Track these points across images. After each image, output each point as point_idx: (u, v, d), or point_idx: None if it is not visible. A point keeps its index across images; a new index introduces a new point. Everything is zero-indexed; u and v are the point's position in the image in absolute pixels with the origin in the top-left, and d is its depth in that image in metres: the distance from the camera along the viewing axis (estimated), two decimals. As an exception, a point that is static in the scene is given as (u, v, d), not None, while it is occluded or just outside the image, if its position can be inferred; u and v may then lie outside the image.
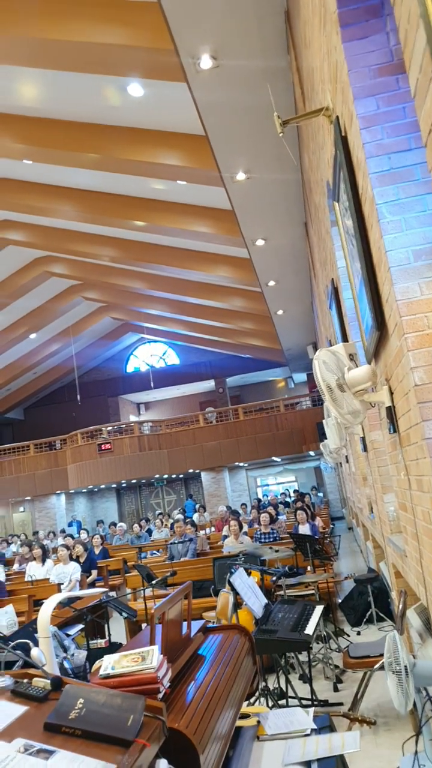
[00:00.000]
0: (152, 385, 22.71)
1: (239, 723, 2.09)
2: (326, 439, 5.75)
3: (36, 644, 1.93)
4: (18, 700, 1.37)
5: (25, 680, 1.44)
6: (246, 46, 5.40)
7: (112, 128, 8.37)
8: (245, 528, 8.92)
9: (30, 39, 6.30)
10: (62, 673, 1.42)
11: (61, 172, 9.81)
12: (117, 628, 5.55)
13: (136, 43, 6.06)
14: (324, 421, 5.24)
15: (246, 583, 3.42)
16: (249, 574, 4.02)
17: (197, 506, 18.09)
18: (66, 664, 1.83)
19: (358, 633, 5.41)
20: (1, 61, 6.82)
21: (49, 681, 1.40)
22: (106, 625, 4.01)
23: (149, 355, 24.42)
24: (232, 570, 3.67)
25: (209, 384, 23.24)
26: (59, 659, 1.80)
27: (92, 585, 7.21)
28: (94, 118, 8.23)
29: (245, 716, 2.20)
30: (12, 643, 1.60)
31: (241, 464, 19.28)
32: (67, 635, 3.12)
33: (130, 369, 24.51)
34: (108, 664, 1.64)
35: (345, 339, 4.16)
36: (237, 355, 21.66)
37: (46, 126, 8.42)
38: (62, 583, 6.78)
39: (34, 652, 1.47)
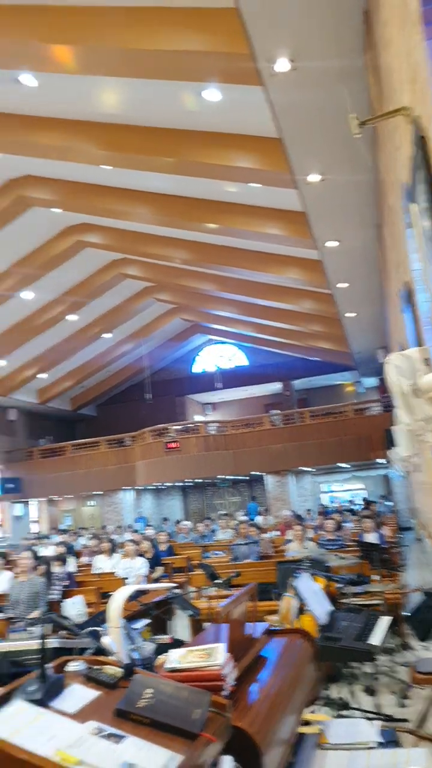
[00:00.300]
0: (219, 385, 22.87)
1: (301, 729, 2.08)
2: (394, 446, 5.60)
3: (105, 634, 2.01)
4: (90, 684, 1.43)
5: (97, 666, 1.51)
6: (323, 47, 5.36)
7: (187, 132, 8.52)
8: (309, 533, 8.82)
9: (113, 49, 6.53)
10: (130, 663, 1.48)
11: (137, 177, 10.08)
12: (180, 626, 5.64)
13: (212, 48, 6.15)
14: (393, 427, 5.10)
15: (311, 588, 3.40)
16: (315, 580, 3.99)
17: (261, 509, 18.05)
18: (134, 655, 1.89)
19: (426, 648, 5.23)
20: (86, 72, 7.09)
21: (119, 669, 1.46)
22: (169, 622, 4.09)
23: (217, 356, 24.61)
24: (296, 574, 3.66)
25: (276, 386, 23.14)
26: (128, 649, 1.87)
27: (157, 581, 7.35)
28: (171, 123, 8.41)
29: (307, 723, 2.19)
30: (84, 631, 1.68)
31: (307, 469, 19.06)
32: (134, 629, 3.22)
33: (197, 369, 24.78)
34: (174, 658, 1.68)
35: (419, 344, 4.04)
36: (305, 357, 21.44)
37: (125, 132, 8.68)
38: (128, 578, 6.96)
39: (106, 639, 1.54)
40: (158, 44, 6.27)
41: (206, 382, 23.67)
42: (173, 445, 18.10)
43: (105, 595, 6.64)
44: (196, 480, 19.69)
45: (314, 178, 7.68)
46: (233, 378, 23.30)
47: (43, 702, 1.28)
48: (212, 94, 7.36)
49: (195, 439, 18.32)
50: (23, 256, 13.59)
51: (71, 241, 13.75)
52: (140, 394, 22.89)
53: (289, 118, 6.40)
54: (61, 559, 7.39)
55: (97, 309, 17.69)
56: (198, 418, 24.27)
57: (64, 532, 16.13)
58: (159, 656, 2.66)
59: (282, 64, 5.45)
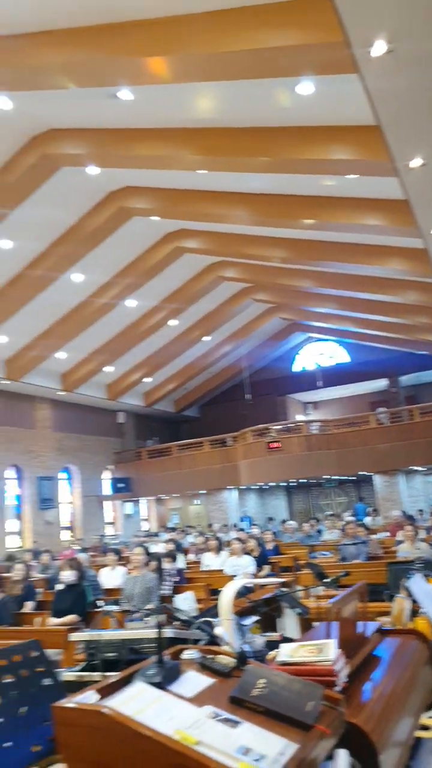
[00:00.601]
0: (320, 384, 22.50)
1: (419, 734, 2.01)
2: None
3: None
4: (204, 672, 1.48)
5: (210, 656, 1.56)
6: (422, 26, 5.12)
7: (281, 129, 8.47)
8: (422, 534, 8.45)
9: (205, 55, 6.64)
10: (243, 652, 1.51)
11: (233, 178, 10.18)
12: (289, 625, 5.61)
13: (305, 41, 6.07)
14: None
15: (425, 589, 3.26)
16: (428, 581, 3.82)
17: (369, 509, 17.53)
18: (245, 648, 1.92)
19: None
20: (179, 80, 7.28)
21: (232, 659, 1.50)
22: (278, 620, 4.10)
23: (317, 353, 24.24)
24: (409, 575, 3.52)
25: (381, 383, 22.35)
26: (239, 642, 1.91)
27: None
28: (264, 121, 8.41)
29: (425, 728, 2.11)
30: (198, 621, 1.73)
31: (419, 468, 18.25)
32: (243, 625, 3.26)
33: (297, 368, 24.56)
34: (285, 652, 1.69)
35: None
36: (412, 351, 20.53)
37: (219, 135, 8.79)
38: (235, 575, 7.05)
39: (219, 630, 1.58)
40: (250, 44, 6.29)
41: (307, 381, 23.37)
42: (275, 444, 18.06)
43: (214, 592, 6.77)
44: (300, 480, 19.50)
45: (416, 163, 7.35)
46: (335, 376, 22.81)
47: (161, 685, 1.35)
48: (305, 87, 7.27)
49: (297, 439, 18.16)
50: (126, 265, 14.18)
51: (170, 248, 14.15)
52: (241, 394, 23.07)
53: (387, 103, 6.18)
54: (171, 555, 7.63)
55: (196, 312, 18.07)
56: (299, 417, 24.03)
57: (173, 530, 16.63)
58: (269, 652, 2.68)
59: (379, 48, 5.27)
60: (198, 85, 7.63)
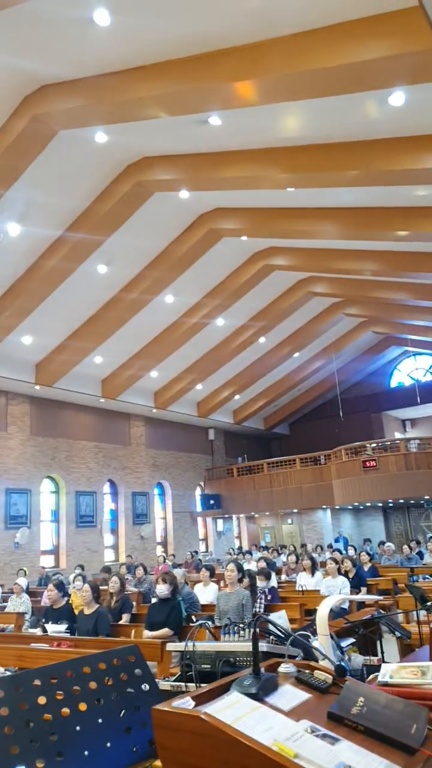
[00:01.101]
0: (419, 400, 21.60)
1: None
2: None
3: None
4: (301, 686, 1.46)
5: (307, 671, 1.53)
6: None
7: (370, 142, 8.35)
8: None
9: (290, 75, 6.70)
10: (342, 666, 1.47)
11: (321, 194, 10.14)
12: (388, 649, 5.38)
13: (396, 52, 5.98)
14: None
15: None
16: None
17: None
18: (344, 665, 1.87)
19: None
20: (267, 101, 7.39)
21: (329, 675, 1.46)
22: (378, 643, 3.94)
23: (414, 368, 23.33)
24: None
25: None
26: (337, 659, 1.86)
27: (361, 603, 7.12)
28: (353, 135, 8.33)
29: None
30: (294, 634, 1.71)
31: None
32: (340, 646, 3.16)
33: (393, 384, 23.74)
34: (386, 673, 1.63)
35: None
36: None
37: (306, 152, 8.81)
38: (330, 595, 6.86)
39: (316, 644, 1.55)
40: (338, 59, 6.28)
41: (404, 397, 22.53)
42: (371, 463, 17.50)
43: (308, 612, 6.62)
44: (398, 500, 18.72)
45: None
46: (435, 391, 21.84)
47: (258, 696, 1.34)
48: (397, 98, 7.14)
49: (394, 458, 17.49)
50: (215, 285, 14.45)
51: (259, 266, 14.26)
52: (333, 411, 22.63)
53: None
54: (265, 574, 7.56)
55: (286, 329, 18.02)
56: (397, 435, 23.16)
57: (266, 548, 16.50)
58: (370, 676, 2.58)
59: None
60: (285, 105, 7.70)
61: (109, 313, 13.35)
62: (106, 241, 11.15)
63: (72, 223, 10.61)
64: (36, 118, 8.02)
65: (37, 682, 1.47)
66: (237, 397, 20.66)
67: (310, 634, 2.01)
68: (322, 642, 1.78)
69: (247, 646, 2.05)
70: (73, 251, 10.91)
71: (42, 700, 1.45)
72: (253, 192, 10.47)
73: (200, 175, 9.76)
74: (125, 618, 6.80)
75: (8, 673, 4.05)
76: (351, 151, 8.50)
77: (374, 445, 18.51)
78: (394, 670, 1.61)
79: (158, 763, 1.82)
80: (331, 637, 2.00)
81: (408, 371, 23.54)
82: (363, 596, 3.83)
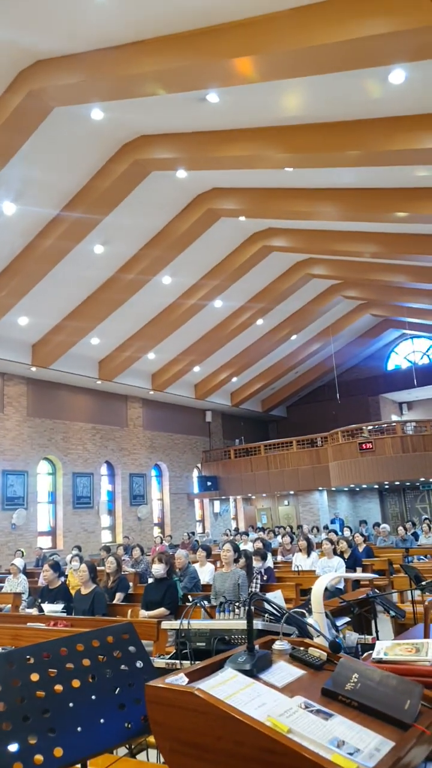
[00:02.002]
0: (415, 383, 21.63)
1: None
2: None
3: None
4: (295, 663, 1.46)
5: (302, 648, 1.53)
6: None
7: (370, 121, 8.23)
8: None
9: (291, 51, 6.57)
10: (336, 643, 1.47)
11: (320, 174, 10.02)
12: (383, 628, 5.44)
13: (398, 28, 5.86)
14: None
15: None
16: None
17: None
18: (339, 642, 1.88)
19: None
20: (267, 78, 7.25)
21: (323, 652, 1.46)
22: (373, 622, 3.97)
23: (411, 351, 23.31)
24: None
25: None
26: (332, 636, 1.86)
27: (356, 582, 7.18)
28: (353, 114, 8.21)
29: None
30: (289, 611, 1.71)
31: None
32: (336, 625, 3.18)
33: (390, 367, 23.75)
34: (380, 650, 1.63)
35: None
36: None
37: (306, 131, 8.68)
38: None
39: (311, 620, 1.55)
40: (340, 35, 6.16)
41: (401, 380, 22.55)
42: (367, 445, 17.56)
43: (304, 592, 6.68)
44: (394, 482, 18.84)
45: None
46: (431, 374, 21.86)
47: (252, 673, 1.34)
48: (397, 76, 7.02)
49: (391, 440, 17.54)
50: (213, 266, 14.34)
51: (257, 247, 14.15)
52: (330, 394, 22.66)
53: None
54: (261, 554, 7.61)
55: (284, 311, 17.95)
56: (394, 417, 23.22)
57: (262, 529, 16.61)
58: (363, 654, 2.59)
59: None
60: (284, 83, 7.57)
61: (106, 294, 13.25)
62: (102, 221, 11.02)
63: (68, 202, 10.48)
64: (32, 93, 7.87)
65: (30, 659, 1.47)
66: (234, 379, 20.64)
67: (305, 611, 2.02)
68: (317, 620, 1.78)
69: (242, 624, 2.06)
70: (69, 231, 10.79)
71: (35, 677, 1.45)
72: (252, 172, 10.34)
73: (198, 154, 9.62)
74: (119, 597, 6.84)
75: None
76: (351, 130, 8.38)
77: (371, 427, 18.56)
78: (388, 647, 1.61)
79: (152, 738, 1.83)
80: (326, 615, 2.00)
81: (405, 354, 23.54)
82: (359, 574, 3.86)
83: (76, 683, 1.47)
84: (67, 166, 9.78)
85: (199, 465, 21.55)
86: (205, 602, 5.86)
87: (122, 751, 2.44)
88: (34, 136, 8.74)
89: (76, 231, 10.92)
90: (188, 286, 14.55)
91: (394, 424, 18.59)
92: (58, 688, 1.44)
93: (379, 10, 5.90)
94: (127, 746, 2.51)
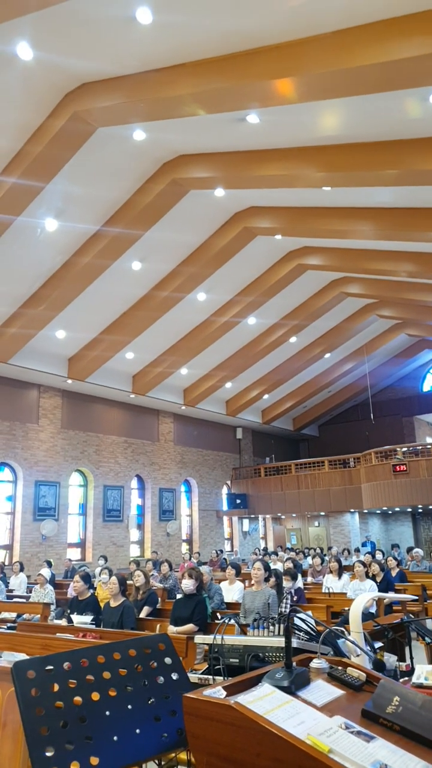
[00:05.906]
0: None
1: None
2: None
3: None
4: (333, 683, 1.43)
5: (340, 667, 1.50)
6: None
7: (409, 141, 8.22)
8: None
9: (330, 72, 6.62)
10: (379, 663, 1.44)
11: (357, 194, 10.01)
12: (417, 656, 5.28)
13: (438, 47, 5.86)
14: None
15: None
16: None
17: None
18: (382, 661, 1.84)
19: None
20: (306, 99, 7.32)
21: (362, 673, 1.43)
22: (407, 648, 3.87)
23: (448, 373, 22.91)
24: None
25: None
26: (370, 658, 1.82)
27: (389, 607, 7.02)
28: (391, 134, 8.20)
29: None
30: (329, 628, 1.68)
31: None
32: (372, 647, 3.11)
33: (426, 388, 23.35)
34: (420, 674, 1.59)
35: None
36: None
37: (344, 150, 8.71)
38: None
39: (349, 643, 1.52)
40: (379, 57, 6.19)
41: (437, 401, 22.16)
42: (401, 468, 17.24)
43: (335, 615, 6.55)
44: (428, 506, 18.41)
45: None
46: (468, 396, 21.42)
47: (290, 690, 1.32)
48: (437, 95, 7.00)
49: (425, 462, 17.18)
50: (248, 283, 14.41)
51: (292, 265, 14.17)
52: (363, 414, 22.38)
53: None
54: (291, 574, 7.51)
55: (318, 329, 17.87)
56: (429, 439, 22.77)
57: (292, 550, 16.39)
58: (401, 680, 2.53)
59: None
60: (323, 103, 7.62)
61: (142, 309, 13.42)
62: (140, 238, 11.21)
63: (107, 219, 10.70)
64: (76, 115, 8.11)
65: (68, 664, 1.48)
66: (266, 396, 20.56)
67: (343, 630, 1.98)
68: (355, 639, 1.74)
69: (278, 641, 2.03)
70: (108, 247, 11.01)
71: (72, 683, 1.46)
72: (288, 191, 10.39)
73: (236, 173, 9.73)
74: (146, 611, 6.82)
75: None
76: (389, 150, 8.37)
77: (405, 449, 18.23)
78: (429, 671, 1.57)
79: (183, 756, 1.81)
80: (365, 636, 1.96)
81: (442, 375, 23.14)
82: (396, 595, 3.76)
83: (112, 692, 1.47)
84: (108, 184, 10.01)
85: (229, 482, 21.45)
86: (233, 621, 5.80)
87: (151, 766, 2.42)
88: (76, 155, 8.99)
89: (114, 247, 11.13)
90: (222, 302, 14.64)
91: (429, 446, 18.22)
92: (95, 696, 1.44)
93: (418, 31, 5.92)
94: (157, 762, 2.49)
